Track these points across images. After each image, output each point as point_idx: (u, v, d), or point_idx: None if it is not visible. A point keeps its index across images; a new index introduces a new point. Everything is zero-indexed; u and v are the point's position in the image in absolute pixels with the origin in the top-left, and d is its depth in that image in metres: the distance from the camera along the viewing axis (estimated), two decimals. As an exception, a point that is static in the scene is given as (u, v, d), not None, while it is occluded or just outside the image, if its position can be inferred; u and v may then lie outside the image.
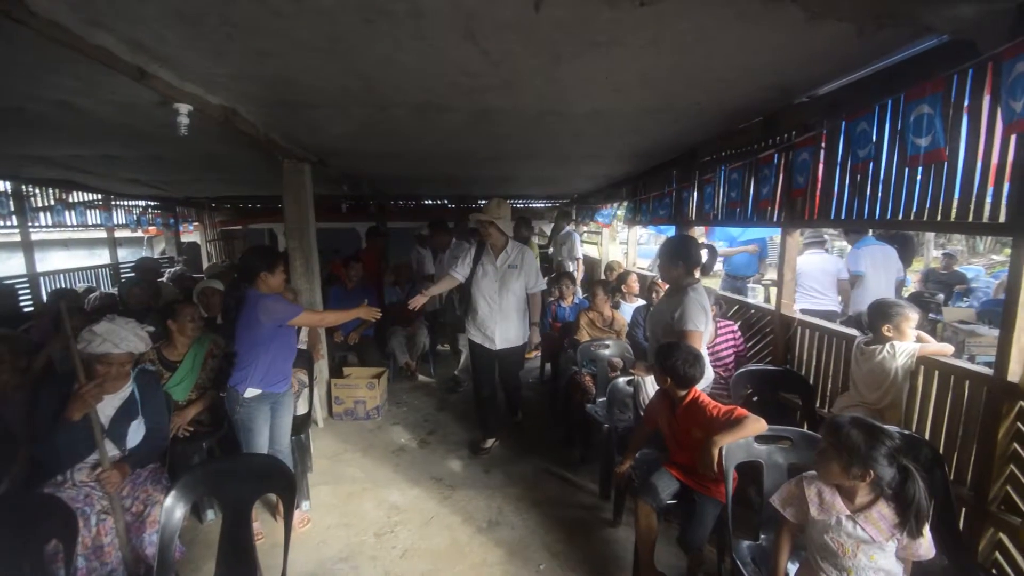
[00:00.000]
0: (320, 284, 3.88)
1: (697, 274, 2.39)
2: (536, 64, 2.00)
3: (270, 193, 7.17)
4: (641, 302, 4.02)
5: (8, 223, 4.71)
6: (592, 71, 2.07)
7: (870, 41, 1.80)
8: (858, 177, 2.25)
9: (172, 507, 1.64)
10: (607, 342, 3.35)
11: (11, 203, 4.69)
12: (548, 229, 8.55)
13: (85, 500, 1.81)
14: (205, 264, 7.68)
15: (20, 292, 4.91)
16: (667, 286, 2.57)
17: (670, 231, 6.02)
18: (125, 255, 7.29)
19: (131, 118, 2.74)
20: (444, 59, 1.95)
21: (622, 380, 2.78)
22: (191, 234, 8.03)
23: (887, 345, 2.19)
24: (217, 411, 2.67)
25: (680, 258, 2.38)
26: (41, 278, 5.36)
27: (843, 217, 2.39)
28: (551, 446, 3.46)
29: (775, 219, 2.84)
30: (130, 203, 6.71)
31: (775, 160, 2.76)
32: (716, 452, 1.82)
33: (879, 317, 2.24)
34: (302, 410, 3.02)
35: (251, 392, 2.32)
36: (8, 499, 1.68)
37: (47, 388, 1.94)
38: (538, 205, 8.82)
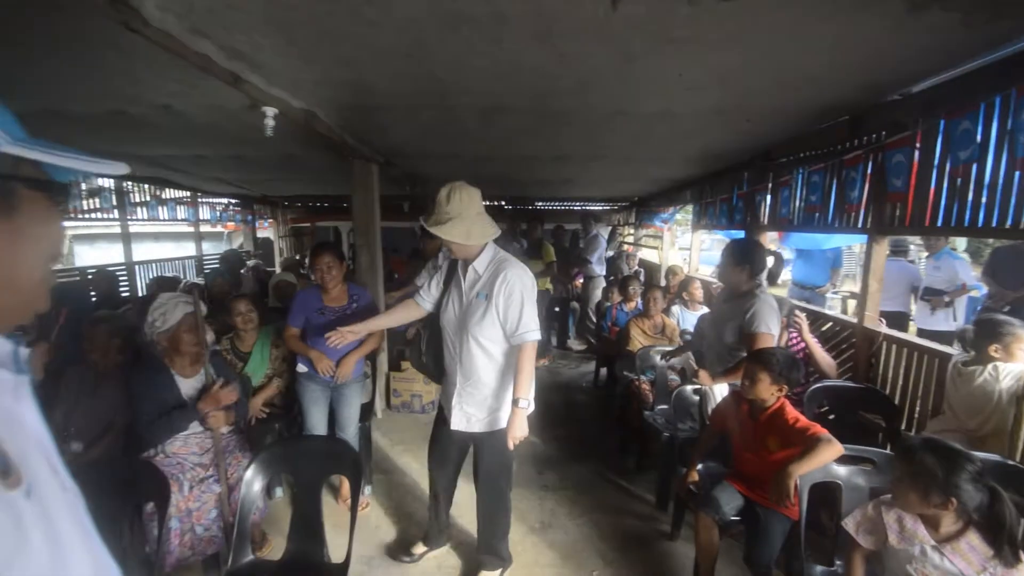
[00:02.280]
0: (384, 280, 4.02)
1: (763, 281, 2.28)
2: (608, 64, 1.98)
3: (338, 193, 7.50)
4: (705, 310, 3.87)
5: (111, 215, 5.25)
6: (665, 70, 2.03)
7: (978, 32, 1.64)
8: (958, 181, 2.05)
9: (251, 479, 1.78)
10: (667, 349, 3.25)
11: (114, 198, 5.21)
12: (605, 233, 8.48)
13: (178, 468, 1.98)
14: (277, 258, 8.17)
15: (119, 278, 5.43)
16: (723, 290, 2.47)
17: (738, 236, 5.78)
18: (207, 248, 7.87)
19: (221, 120, 2.95)
20: (516, 61, 1.97)
21: (688, 388, 2.69)
22: (265, 230, 8.58)
23: (989, 366, 1.99)
24: (289, 396, 2.82)
25: (746, 262, 2.29)
26: (136, 266, 5.92)
27: (939, 224, 2.19)
28: (606, 452, 3.40)
29: (861, 225, 2.65)
30: (213, 200, 7.26)
31: (863, 162, 2.58)
32: (792, 483, 1.70)
33: (987, 336, 2.04)
34: (365, 399, 3.14)
35: (301, 368, 2.55)
36: (110, 464, 1.85)
37: (142, 369, 2.12)
38: (596, 207, 8.71)
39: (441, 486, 2.28)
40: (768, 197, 3.54)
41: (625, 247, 7.87)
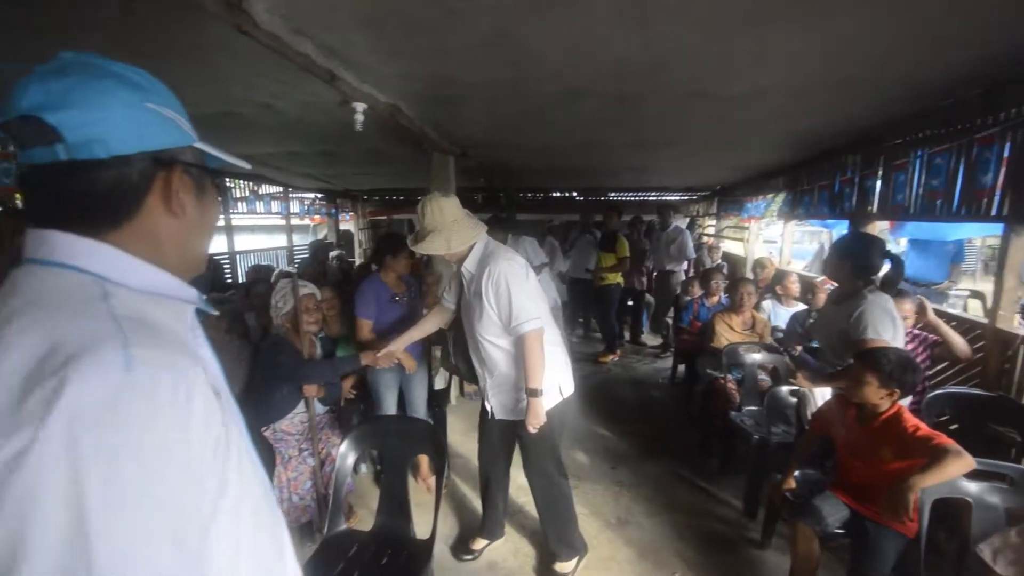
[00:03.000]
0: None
1: (875, 280, 2.05)
2: (693, 40, 1.86)
3: (415, 186, 7.77)
4: (800, 307, 3.59)
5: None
6: (760, 43, 1.87)
7: None
8: None
9: (346, 453, 1.88)
10: (759, 346, 3.04)
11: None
12: (682, 225, 8.10)
13: (282, 442, 2.16)
14: (356, 249, 8.63)
15: (224, 266, 5.99)
16: (828, 288, 2.23)
17: (840, 228, 5.28)
18: (296, 240, 8.46)
19: (315, 117, 3.13)
20: (597, 43, 1.91)
21: (784, 389, 2.50)
22: (347, 223, 9.09)
23: None
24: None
25: (858, 260, 2.05)
26: (237, 255, 6.50)
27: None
28: (684, 451, 3.26)
29: (996, 212, 2.31)
30: (302, 195, 7.78)
31: (999, 141, 2.25)
32: (912, 497, 1.52)
33: None
34: (440, 385, 3.23)
35: None
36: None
37: (274, 352, 2.26)
38: (673, 198, 8.34)
39: (494, 477, 2.26)
40: (879, 183, 3.18)
41: (705, 239, 7.49)
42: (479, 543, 2.33)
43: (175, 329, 0.55)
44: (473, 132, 3.58)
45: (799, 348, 3.05)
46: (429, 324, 2.31)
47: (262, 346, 2.31)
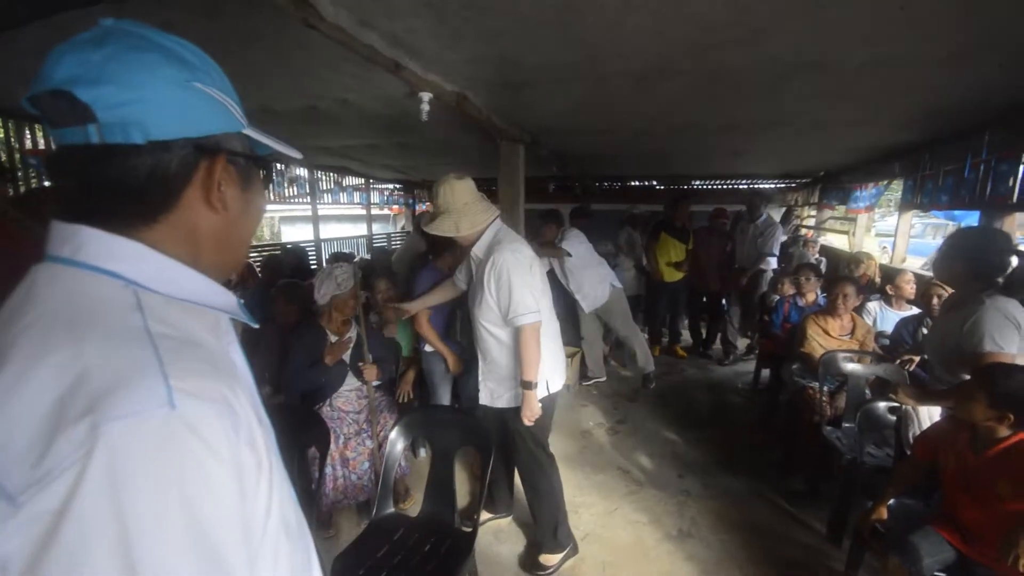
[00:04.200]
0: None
1: (996, 283, 1.68)
2: (801, 4, 1.62)
3: (486, 175, 7.82)
4: (913, 311, 3.11)
5: (305, 200, 6.25)
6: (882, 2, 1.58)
7: None
8: None
9: (395, 440, 1.91)
10: (864, 355, 2.68)
11: (307, 185, 6.18)
12: (776, 214, 7.33)
13: (339, 421, 2.25)
14: (432, 239, 8.90)
15: (308, 253, 6.44)
16: (943, 293, 1.87)
17: (970, 219, 4.53)
18: (376, 229, 8.90)
19: (387, 109, 3.20)
20: (679, 14, 1.73)
21: (882, 406, 2.18)
22: (423, 212, 9.41)
23: None
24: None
25: (974, 259, 1.71)
26: (322, 243, 6.95)
27: None
28: (763, 465, 2.97)
29: None
30: (381, 186, 8.16)
31: None
32: None
33: None
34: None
35: (428, 348, 2.65)
36: (287, 408, 2.16)
37: (299, 327, 2.42)
38: (767, 185, 7.59)
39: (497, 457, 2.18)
40: (1022, 167, 2.64)
41: (804, 231, 6.75)
42: (484, 514, 2.35)
43: (211, 343, 0.51)
44: (543, 118, 3.47)
45: (914, 360, 2.65)
46: (437, 295, 2.38)
47: (297, 328, 2.43)
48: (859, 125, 3.40)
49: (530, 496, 2.16)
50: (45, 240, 0.47)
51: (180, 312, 0.49)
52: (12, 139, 3.25)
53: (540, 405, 1.93)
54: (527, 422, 1.94)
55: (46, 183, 2.82)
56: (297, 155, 0.64)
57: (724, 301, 5.03)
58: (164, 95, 0.47)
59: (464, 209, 1.90)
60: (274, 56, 2.29)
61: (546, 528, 2.14)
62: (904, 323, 2.97)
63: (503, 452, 2.27)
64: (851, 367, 2.61)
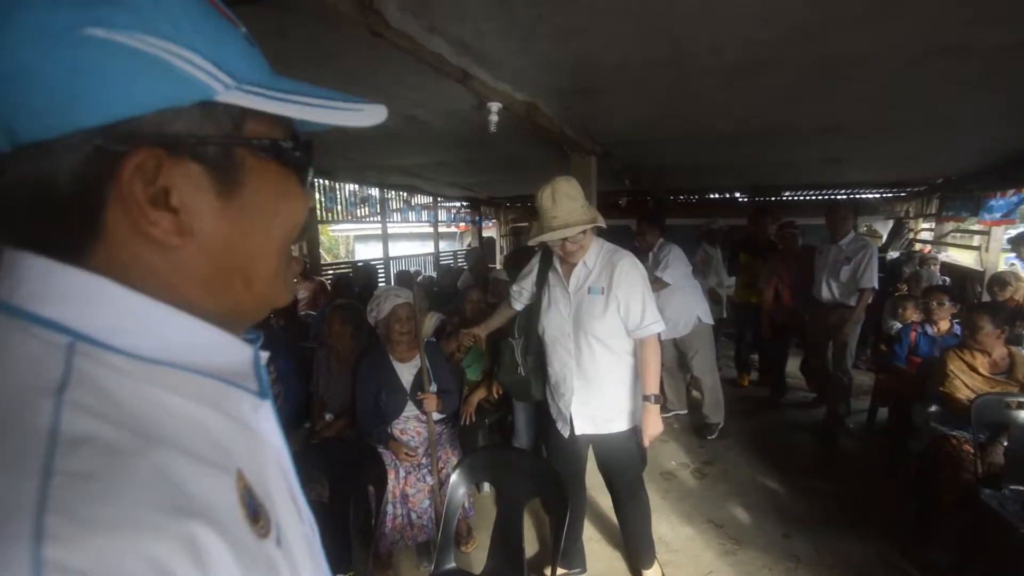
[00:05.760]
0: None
1: None
2: None
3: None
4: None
5: (375, 219, 6.41)
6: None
7: None
8: None
9: (456, 483, 1.71)
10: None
11: (378, 204, 6.33)
12: (883, 228, 6.46)
13: (396, 457, 2.09)
14: (498, 256, 8.85)
15: (378, 271, 6.57)
16: None
17: None
18: (443, 246, 9.01)
19: (456, 124, 3.13)
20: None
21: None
22: (490, 230, 9.40)
23: None
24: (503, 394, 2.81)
25: None
26: (391, 261, 7.07)
27: None
28: (890, 527, 2.46)
29: None
30: (448, 204, 8.25)
31: None
32: None
33: None
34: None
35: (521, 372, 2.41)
36: (347, 443, 2.05)
37: (368, 353, 2.29)
38: (870, 196, 6.73)
39: (575, 501, 1.96)
40: None
41: (919, 247, 5.89)
42: (559, 573, 2.04)
43: (202, 426, 0.34)
44: (618, 127, 3.28)
45: None
46: (498, 318, 2.16)
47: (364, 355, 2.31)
48: (999, 120, 2.84)
49: (628, 517, 2.05)
50: None
51: (153, 384, 0.32)
52: None
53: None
54: (648, 441, 1.83)
55: None
56: (361, 118, 0.40)
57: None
58: (27, 63, 0.28)
59: (585, 210, 1.76)
60: (343, 75, 2.27)
61: (646, 540, 2.09)
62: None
63: (583, 491, 2.10)
64: (1019, 415, 2.09)
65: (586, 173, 3.65)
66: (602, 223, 1.78)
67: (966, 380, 2.38)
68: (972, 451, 2.17)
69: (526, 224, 9.24)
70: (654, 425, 1.80)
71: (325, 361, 2.44)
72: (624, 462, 1.94)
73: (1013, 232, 4.85)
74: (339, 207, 6.03)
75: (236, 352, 0.39)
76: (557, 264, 1.88)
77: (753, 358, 4.55)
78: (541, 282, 1.94)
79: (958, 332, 2.83)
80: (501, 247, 9.24)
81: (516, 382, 2.01)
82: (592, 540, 2.39)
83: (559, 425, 1.93)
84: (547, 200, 1.74)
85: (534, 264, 1.99)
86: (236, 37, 0.36)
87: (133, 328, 0.32)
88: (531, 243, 1.83)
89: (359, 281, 4.52)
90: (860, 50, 1.88)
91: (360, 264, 6.15)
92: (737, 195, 7.24)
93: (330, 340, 2.50)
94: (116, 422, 0.29)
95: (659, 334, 1.83)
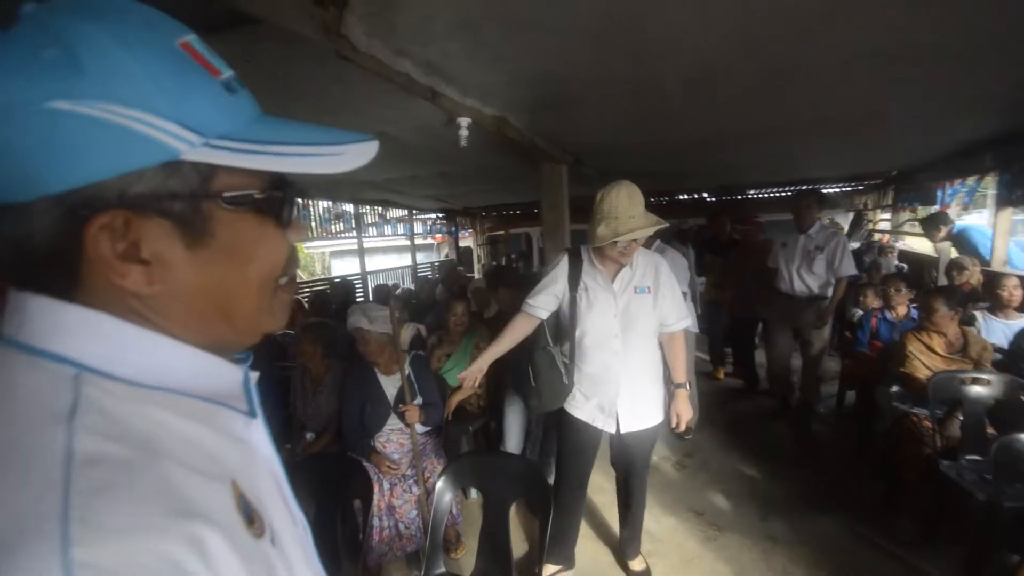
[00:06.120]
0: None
1: None
2: None
3: (529, 199, 7.78)
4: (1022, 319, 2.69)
5: (351, 235, 6.40)
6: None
7: None
8: None
9: (442, 490, 1.74)
10: (984, 376, 2.30)
11: (352, 220, 6.33)
12: (843, 220, 6.76)
13: (379, 470, 2.11)
14: (475, 265, 8.89)
15: (356, 286, 6.55)
16: None
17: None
18: (420, 258, 9.02)
19: (427, 139, 3.18)
20: (734, 6, 1.56)
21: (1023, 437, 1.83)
22: (466, 240, 9.46)
23: None
24: (488, 400, 2.87)
25: None
26: (368, 276, 7.06)
27: None
28: (862, 505, 2.59)
29: None
30: (424, 216, 8.28)
31: None
32: None
33: None
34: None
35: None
36: (326, 460, 2.06)
37: (353, 368, 2.32)
38: (831, 190, 7.04)
39: (580, 498, 2.12)
40: None
41: (878, 236, 6.17)
42: (548, 569, 2.11)
43: (197, 442, 0.38)
44: (587, 138, 3.37)
45: None
46: (512, 336, 1.98)
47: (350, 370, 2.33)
48: (939, 116, 3.04)
49: (636, 510, 2.15)
50: None
51: (150, 405, 0.36)
52: None
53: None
54: (682, 426, 1.95)
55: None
56: (348, 161, 0.41)
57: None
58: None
59: (645, 210, 1.81)
60: (311, 95, 2.30)
61: (640, 532, 2.20)
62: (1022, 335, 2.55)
63: (585, 482, 2.10)
64: (971, 390, 2.24)
65: (557, 181, 3.74)
66: (664, 223, 1.83)
67: (924, 360, 2.54)
68: (931, 426, 2.31)
69: (503, 232, 9.33)
70: (687, 410, 1.94)
71: (300, 381, 2.45)
72: (648, 454, 2.05)
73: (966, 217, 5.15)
74: (313, 224, 6.01)
75: (226, 374, 0.43)
76: (598, 265, 1.87)
77: (728, 351, 4.71)
78: (575, 286, 1.90)
79: (915, 316, 3.00)
80: (479, 256, 9.29)
81: (558, 393, 1.94)
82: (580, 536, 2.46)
83: (598, 424, 1.93)
84: (624, 200, 1.76)
85: (559, 271, 1.93)
86: (210, 88, 0.37)
87: (130, 359, 0.36)
88: (606, 241, 1.76)
89: (336, 298, 4.52)
90: (800, 58, 2.01)
91: (337, 280, 6.14)
92: (705, 195, 7.47)
93: (301, 360, 2.50)
94: (122, 441, 0.32)
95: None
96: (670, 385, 1.98)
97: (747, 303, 4.08)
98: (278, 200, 0.42)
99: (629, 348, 1.86)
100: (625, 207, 1.74)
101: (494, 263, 8.47)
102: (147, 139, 0.34)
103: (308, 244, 12.23)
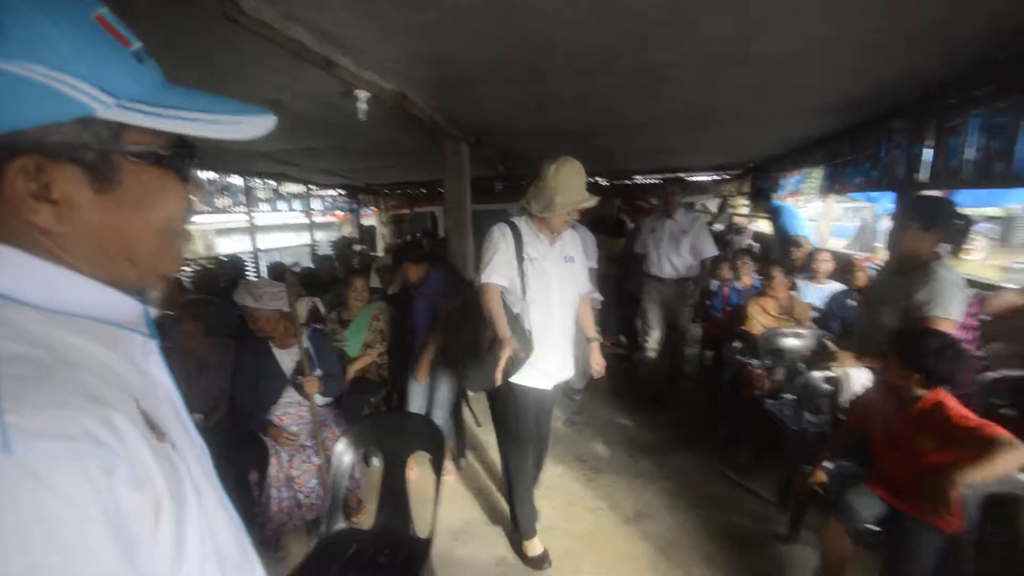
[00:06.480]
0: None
1: (944, 252, 1.85)
2: None
3: (433, 177, 7.75)
4: (836, 286, 3.36)
5: (239, 210, 5.94)
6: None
7: None
8: None
9: (342, 452, 1.83)
10: (799, 331, 2.85)
11: (241, 195, 5.87)
12: (712, 205, 7.70)
13: (277, 442, 2.13)
14: (379, 244, 8.69)
15: (247, 264, 6.14)
16: (869, 267, 2.02)
17: (884, 201, 4.90)
18: (319, 236, 8.61)
19: (322, 110, 3.08)
20: (615, 4, 1.75)
21: (817, 375, 2.33)
22: (369, 218, 9.18)
23: None
24: (386, 371, 2.94)
25: (935, 223, 1.83)
26: (260, 254, 6.63)
27: None
28: (712, 442, 3.10)
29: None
30: (323, 193, 7.90)
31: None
32: (955, 493, 1.38)
33: None
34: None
35: None
36: (222, 430, 2.03)
37: (245, 344, 2.30)
38: (703, 179, 7.97)
39: (531, 465, 2.21)
40: (932, 149, 2.87)
41: (737, 220, 7.15)
42: (534, 547, 2.17)
43: (102, 360, 0.43)
44: (486, 118, 3.45)
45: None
46: (498, 304, 1.91)
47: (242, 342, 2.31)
48: (782, 117, 3.60)
49: (542, 458, 2.38)
50: None
51: (59, 327, 0.41)
52: None
53: None
54: (598, 373, 2.23)
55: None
56: (243, 130, 0.48)
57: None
58: None
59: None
60: (196, 56, 2.15)
61: (538, 479, 2.40)
62: (835, 298, 3.20)
63: (527, 458, 2.17)
64: (787, 342, 2.77)
65: (459, 160, 3.80)
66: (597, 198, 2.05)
67: (760, 320, 3.08)
68: (761, 373, 2.83)
69: (407, 211, 9.20)
70: (601, 358, 2.24)
71: (182, 363, 2.35)
72: (551, 410, 2.28)
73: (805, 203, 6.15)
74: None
75: (127, 305, 0.49)
76: (541, 236, 1.99)
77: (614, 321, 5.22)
78: (520, 257, 1.95)
79: (758, 285, 3.59)
80: (383, 235, 9.08)
81: (519, 364, 1.90)
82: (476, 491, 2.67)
83: (540, 385, 2.00)
84: (576, 174, 1.97)
85: (505, 243, 1.96)
86: (122, 57, 0.43)
87: (37, 287, 0.42)
88: (566, 209, 1.93)
89: (225, 276, 4.25)
90: (668, 58, 2.29)
91: (225, 258, 5.70)
92: (599, 180, 8.00)
93: (181, 339, 2.39)
94: (36, 347, 0.39)
95: None
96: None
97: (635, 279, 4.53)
98: (179, 157, 0.49)
99: (566, 310, 2.06)
100: (577, 180, 1.96)
101: (399, 241, 8.36)
102: (65, 97, 0.39)
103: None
